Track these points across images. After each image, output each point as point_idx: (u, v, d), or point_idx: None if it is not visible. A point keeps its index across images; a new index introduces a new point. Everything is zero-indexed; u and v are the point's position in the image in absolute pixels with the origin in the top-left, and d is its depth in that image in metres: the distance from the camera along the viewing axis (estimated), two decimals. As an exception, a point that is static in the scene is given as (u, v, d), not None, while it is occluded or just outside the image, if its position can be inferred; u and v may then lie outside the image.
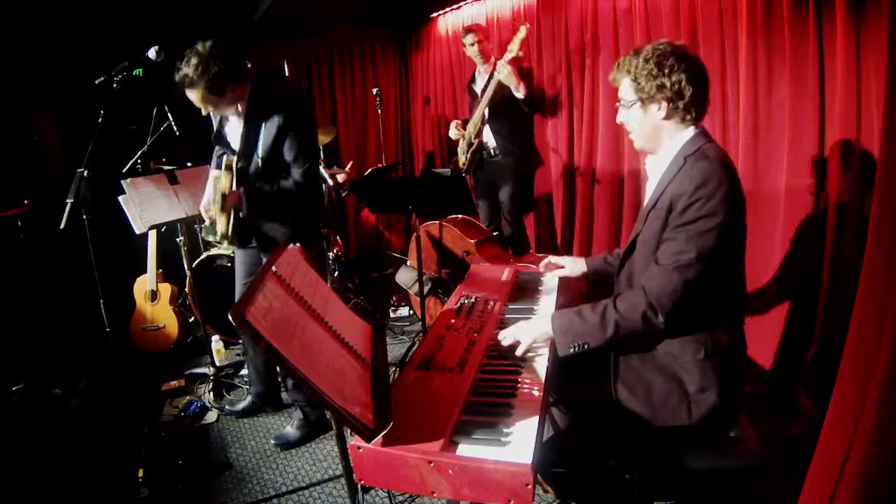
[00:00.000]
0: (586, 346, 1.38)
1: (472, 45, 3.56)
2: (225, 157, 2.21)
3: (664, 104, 1.41)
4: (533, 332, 1.45)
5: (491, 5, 4.04)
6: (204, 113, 2.11)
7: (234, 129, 2.22)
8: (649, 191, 1.55)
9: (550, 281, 1.98)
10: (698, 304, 1.36)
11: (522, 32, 3.09)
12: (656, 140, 1.48)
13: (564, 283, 1.95)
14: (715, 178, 1.32)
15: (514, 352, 1.44)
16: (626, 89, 1.47)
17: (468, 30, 3.58)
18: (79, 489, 2.15)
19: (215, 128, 2.33)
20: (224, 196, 2.09)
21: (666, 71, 1.38)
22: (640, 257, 1.48)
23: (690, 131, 1.44)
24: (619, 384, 1.45)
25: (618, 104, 1.51)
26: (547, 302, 1.82)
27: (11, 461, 2.25)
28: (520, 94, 3.35)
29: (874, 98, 1.90)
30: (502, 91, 3.38)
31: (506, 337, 1.47)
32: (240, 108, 2.14)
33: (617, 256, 1.75)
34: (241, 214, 2.17)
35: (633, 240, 1.51)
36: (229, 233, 2.17)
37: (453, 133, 3.77)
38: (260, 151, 2.13)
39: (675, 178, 1.40)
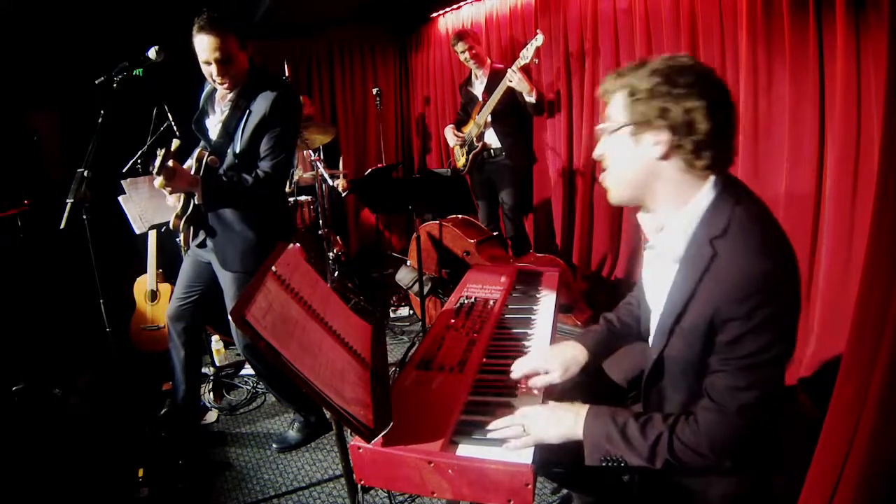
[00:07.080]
0: (622, 465, 1.07)
1: (464, 52, 3.56)
2: (197, 149, 2.10)
3: (664, 135, 1.02)
4: (548, 428, 1.10)
5: (490, 5, 4.04)
6: (216, 78, 1.97)
7: (213, 123, 2.14)
8: (655, 285, 1.17)
9: (550, 281, 1.98)
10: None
11: (539, 40, 3.04)
12: (644, 190, 1.09)
13: (564, 282, 1.95)
14: (773, 288, 0.96)
15: (513, 442, 1.11)
16: (615, 107, 1.11)
17: (459, 38, 3.55)
18: (79, 489, 2.15)
19: (198, 110, 2.19)
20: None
21: (677, 91, 1.00)
22: (673, 378, 1.16)
23: (708, 189, 1.04)
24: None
25: (598, 130, 1.13)
26: (546, 302, 1.82)
27: (12, 461, 2.24)
28: (532, 98, 3.35)
29: (874, 98, 1.90)
30: (509, 94, 3.38)
31: (525, 414, 1.14)
32: (229, 96, 2.06)
33: (618, 321, 1.45)
34: (194, 201, 2.01)
35: (658, 357, 1.14)
36: (181, 224, 2.07)
37: (451, 140, 3.77)
38: (238, 144, 2.03)
39: (704, 282, 1.01)
